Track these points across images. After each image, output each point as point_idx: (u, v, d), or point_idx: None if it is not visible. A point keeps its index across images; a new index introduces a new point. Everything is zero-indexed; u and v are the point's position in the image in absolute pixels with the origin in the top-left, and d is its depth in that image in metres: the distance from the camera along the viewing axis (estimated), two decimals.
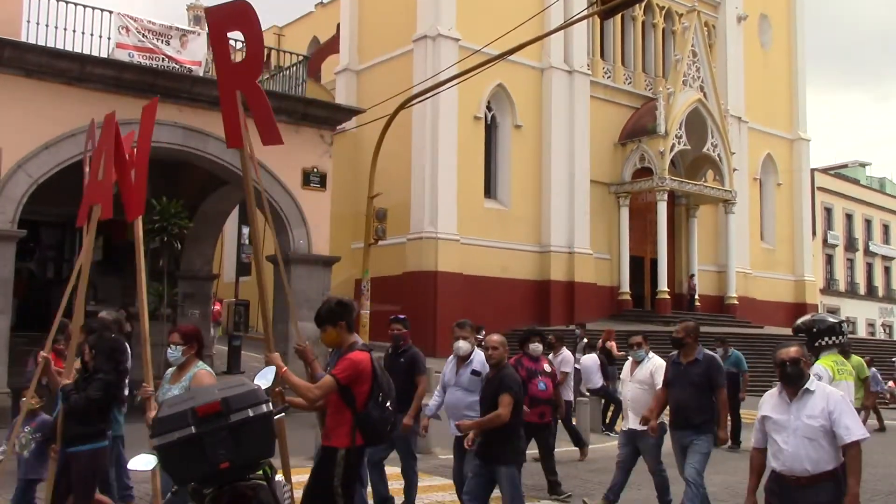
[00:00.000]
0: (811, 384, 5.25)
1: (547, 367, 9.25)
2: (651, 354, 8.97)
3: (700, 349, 7.96)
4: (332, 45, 36.36)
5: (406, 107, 17.54)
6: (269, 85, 18.56)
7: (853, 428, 5.05)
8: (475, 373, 7.83)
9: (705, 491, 7.62)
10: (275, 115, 16.30)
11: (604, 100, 35.43)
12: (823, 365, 6.70)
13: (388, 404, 5.35)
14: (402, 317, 9.39)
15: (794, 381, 5.22)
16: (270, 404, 4.04)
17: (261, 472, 4.07)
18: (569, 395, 12.65)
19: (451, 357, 8.22)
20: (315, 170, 16.73)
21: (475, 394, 7.62)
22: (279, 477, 4.33)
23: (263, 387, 4.44)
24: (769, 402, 5.43)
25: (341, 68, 34.43)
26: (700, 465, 7.61)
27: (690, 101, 35.27)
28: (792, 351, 5.28)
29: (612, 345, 16.84)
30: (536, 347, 9.21)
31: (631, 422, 8.59)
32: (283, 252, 16.55)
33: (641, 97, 36.88)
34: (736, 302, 37.80)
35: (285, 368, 5.05)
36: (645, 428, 8.09)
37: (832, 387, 6.65)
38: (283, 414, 4.82)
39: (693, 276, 37.43)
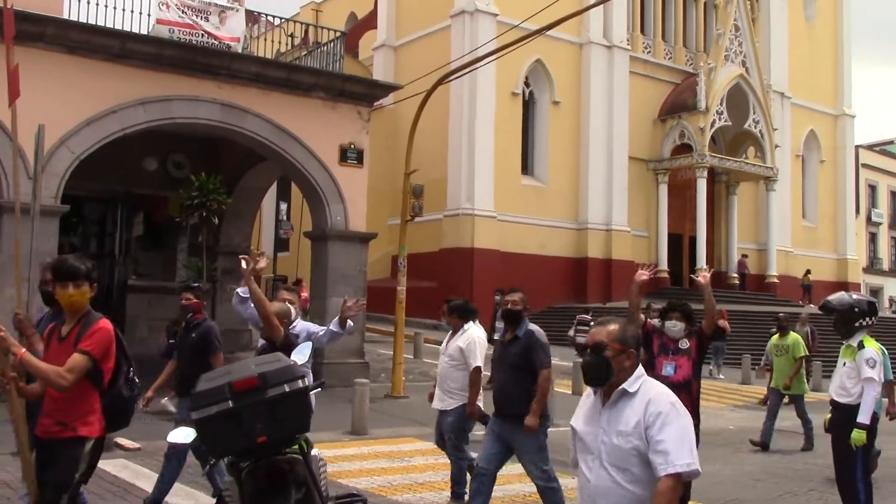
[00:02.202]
0: (633, 382, 3.43)
1: (684, 344, 6.80)
2: (469, 325, 7.91)
3: (525, 323, 6.73)
4: (370, 21, 36.27)
5: (443, 83, 17.46)
6: (306, 61, 18.61)
7: (674, 454, 3.26)
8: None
9: (558, 485, 6.76)
10: (313, 91, 16.35)
11: (643, 75, 34.97)
12: (874, 349, 6.71)
13: (136, 380, 4.73)
14: (194, 285, 8.72)
15: (595, 376, 3.47)
16: (307, 379, 4.09)
17: (296, 446, 4.13)
18: None
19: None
20: (352, 146, 16.76)
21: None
22: (315, 451, 4.39)
23: (300, 362, 4.50)
24: (581, 408, 3.66)
25: (379, 44, 34.35)
26: (543, 461, 6.66)
27: (732, 76, 34.70)
28: (602, 332, 3.50)
29: (725, 324, 16.70)
30: (674, 326, 6.85)
31: (436, 401, 7.92)
32: (320, 228, 16.65)
33: (682, 72, 36.36)
34: (776, 280, 37.31)
35: (23, 351, 4.29)
36: (446, 408, 7.65)
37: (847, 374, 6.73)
38: (320, 389, 4.86)
39: (746, 256, 37.07)
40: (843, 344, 6.97)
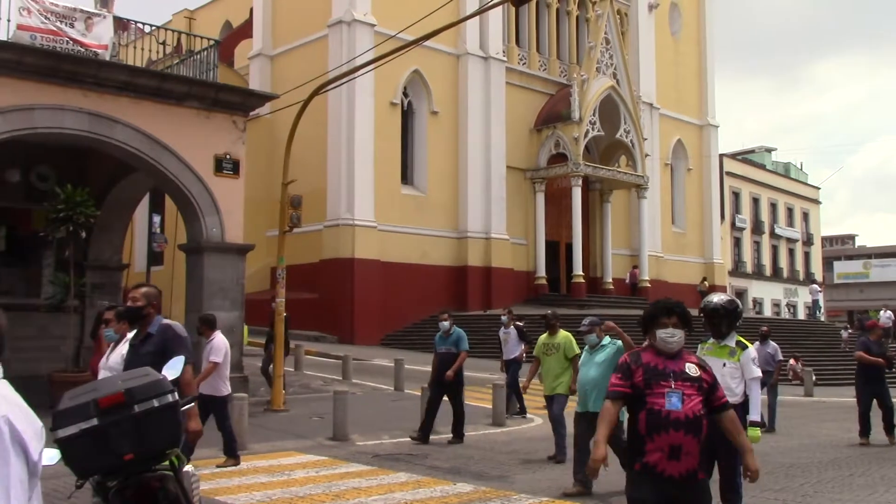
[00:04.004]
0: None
1: (693, 370, 4.58)
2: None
3: (157, 319, 5.98)
4: (246, 30, 35.74)
5: (320, 92, 17.34)
6: (179, 70, 18.14)
7: None
8: None
9: None
10: (186, 101, 15.98)
11: (519, 86, 35.75)
12: (751, 347, 6.97)
13: None
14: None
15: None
16: (177, 394, 3.99)
17: (167, 462, 4.02)
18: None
19: None
20: (228, 156, 16.43)
21: None
22: (189, 467, 4.28)
23: (171, 377, 4.39)
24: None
25: (255, 53, 33.89)
26: None
27: (604, 87, 35.86)
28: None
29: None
30: (669, 337, 4.61)
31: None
32: (195, 240, 16.25)
33: (556, 84, 37.34)
34: (648, 285, 38.68)
35: None
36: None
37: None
38: (192, 404, 4.75)
39: (636, 267, 38.35)
40: (705, 344, 7.05)
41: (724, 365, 6.77)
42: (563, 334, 11.03)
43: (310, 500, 8.18)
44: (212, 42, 18.41)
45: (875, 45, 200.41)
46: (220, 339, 10.30)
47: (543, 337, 11.27)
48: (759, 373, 6.86)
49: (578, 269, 35.11)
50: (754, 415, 6.75)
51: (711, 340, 6.99)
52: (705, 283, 40.17)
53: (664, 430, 4.31)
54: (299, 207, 15.88)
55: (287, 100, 19.44)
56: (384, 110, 30.65)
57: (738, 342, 6.85)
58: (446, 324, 12.29)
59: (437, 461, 10.60)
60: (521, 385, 13.35)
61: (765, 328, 15.80)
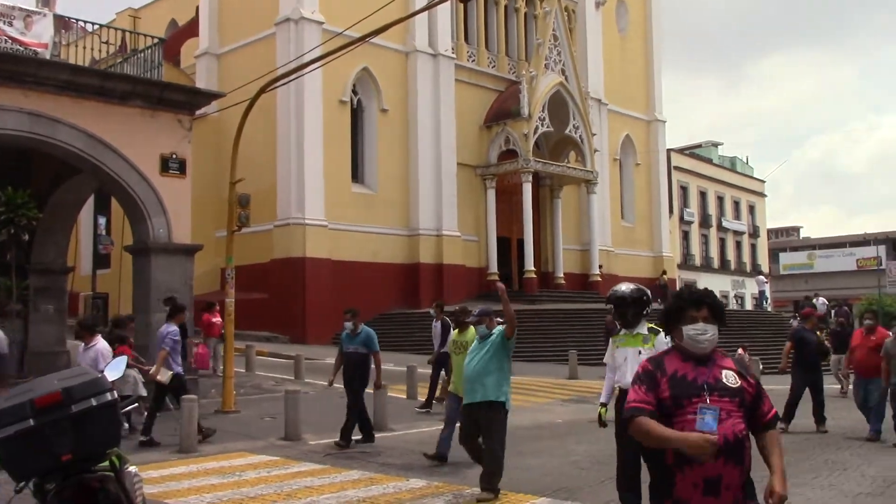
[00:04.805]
0: None
1: (731, 379, 3.70)
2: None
3: None
4: (192, 28, 35.23)
5: (268, 90, 17.17)
6: (122, 68, 17.87)
7: None
8: None
9: None
10: (130, 100, 15.76)
11: (468, 83, 35.82)
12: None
13: None
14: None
15: None
16: (115, 392, 3.93)
17: (107, 462, 3.96)
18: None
19: None
20: (174, 156, 16.24)
21: None
22: (132, 468, 4.22)
23: (113, 378, 4.32)
24: None
25: (201, 52, 33.50)
26: None
27: (552, 84, 36.08)
28: None
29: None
30: (699, 334, 3.74)
31: None
32: (141, 241, 16.02)
33: (505, 80, 37.47)
34: (599, 279, 39.02)
35: None
36: None
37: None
38: (136, 405, 4.68)
39: (601, 266, 38.68)
40: (618, 336, 7.10)
41: (640, 353, 6.81)
42: (474, 332, 9.61)
43: (261, 501, 8.13)
44: (156, 40, 18.18)
45: (819, 42, 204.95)
46: (101, 346, 10.69)
47: (454, 334, 10.93)
48: None
49: (530, 265, 35.31)
50: None
51: (623, 332, 7.06)
52: (664, 276, 40.69)
53: (697, 459, 3.45)
54: (247, 207, 15.71)
55: (234, 98, 19.23)
56: (333, 108, 30.50)
57: (650, 328, 6.94)
58: (349, 324, 11.57)
59: (390, 458, 10.59)
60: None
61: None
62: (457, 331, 10.92)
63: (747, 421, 3.58)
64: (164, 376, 11.62)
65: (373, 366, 11.67)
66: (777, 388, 20.41)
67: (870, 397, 12.34)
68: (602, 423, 7.31)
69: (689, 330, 3.68)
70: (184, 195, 16.52)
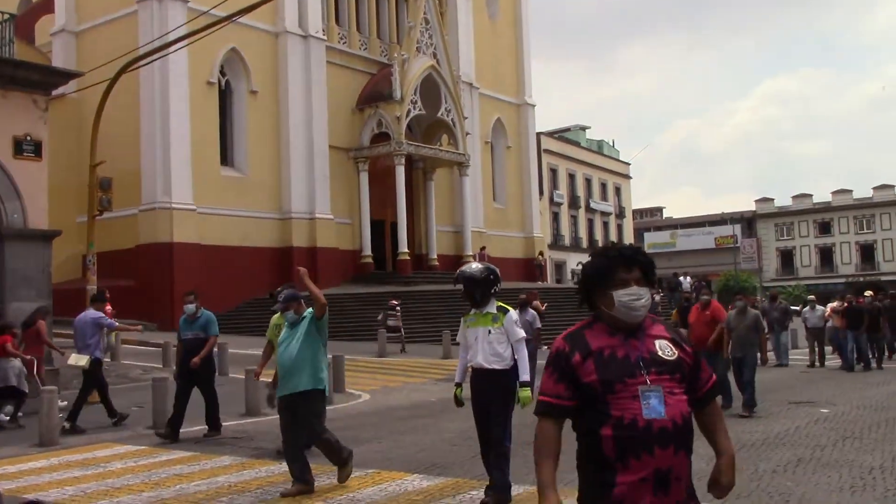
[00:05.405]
0: None
1: (668, 350, 3.03)
2: None
3: None
4: (47, 5, 33.57)
5: (129, 70, 16.62)
6: None
7: None
8: None
9: None
10: None
11: (340, 65, 35.55)
12: (512, 310, 7.05)
13: None
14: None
15: None
16: None
17: None
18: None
19: None
20: (28, 137, 15.48)
21: None
22: None
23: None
24: None
25: (57, 29, 31.95)
26: None
27: (424, 67, 36.23)
28: None
29: (538, 304, 17.44)
30: (633, 299, 3.04)
31: None
32: None
33: (377, 63, 37.38)
34: (472, 260, 39.48)
35: None
36: None
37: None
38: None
39: (484, 248, 38.91)
40: (468, 316, 7.02)
41: (490, 332, 6.81)
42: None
43: (127, 491, 7.92)
44: (7, 16, 17.24)
45: (684, 29, 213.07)
46: None
47: (275, 318, 9.87)
48: (523, 334, 6.95)
49: (404, 247, 35.48)
50: (524, 375, 6.80)
51: (473, 311, 6.98)
52: (541, 256, 41.44)
53: (646, 449, 2.83)
54: (109, 190, 15.19)
55: (95, 78, 18.52)
56: (200, 90, 29.72)
57: (499, 307, 6.92)
58: (192, 307, 11.07)
59: (263, 443, 10.50)
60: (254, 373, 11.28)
61: (523, 295, 15.59)
62: (278, 314, 9.47)
63: (689, 394, 2.99)
64: (82, 361, 11.68)
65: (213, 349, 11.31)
66: None
67: (715, 372, 12.90)
68: (458, 402, 7.23)
69: (621, 296, 2.98)
70: (40, 178, 15.78)
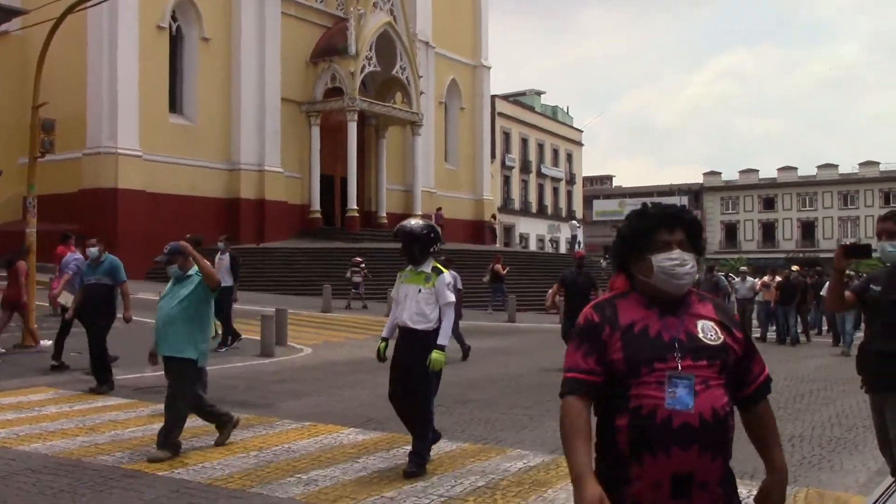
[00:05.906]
0: None
1: (711, 334, 2.59)
2: None
3: None
4: None
5: (76, 10, 16.22)
6: None
7: None
8: None
9: None
10: None
11: (295, 17, 35.06)
12: (447, 273, 6.99)
13: None
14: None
15: None
16: None
17: None
18: None
19: None
20: None
21: None
22: None
23: None
24: None
25: None
26: None
27: (380, 23, 35.89)
28: None
29: (500, 267, 17.54)
30: (677, 265, 2.60)
31: None
32: None
33: (333, 17, 36.93)
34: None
35: None
36: None
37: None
38: None
39: (440, 208, 38.83)
40: (404, 272, 6.98)
41: (420, 291, 6.76)
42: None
43: (61, 435, 7.92)
44: None
45: None
46: None
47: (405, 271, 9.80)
48: (452, 298, 6.88)
49: (353, 204, 35.39)
50: (443, 339, 6.71)
51: (410, 268, 6.94)
52: (494, 219, 41.55)
53: (662, 447, 2.42)
54: (52, 132, 14.88)
55: (40, 16, 18.02)
56: (150, 34, 29.10)
57: (434, 268, 6.87)
58: (94, 250, 10.73)
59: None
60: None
61: (443, 257, 15.00)
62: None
63: (730, 390, 2.53)
64: (66, 299, 12.02)
65: (120, 298, 10.95)
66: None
67: None
68: (380, 357, 7.07)
69: (661, 260, 2.55)
70: None
